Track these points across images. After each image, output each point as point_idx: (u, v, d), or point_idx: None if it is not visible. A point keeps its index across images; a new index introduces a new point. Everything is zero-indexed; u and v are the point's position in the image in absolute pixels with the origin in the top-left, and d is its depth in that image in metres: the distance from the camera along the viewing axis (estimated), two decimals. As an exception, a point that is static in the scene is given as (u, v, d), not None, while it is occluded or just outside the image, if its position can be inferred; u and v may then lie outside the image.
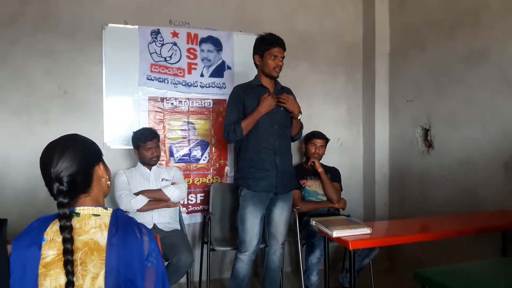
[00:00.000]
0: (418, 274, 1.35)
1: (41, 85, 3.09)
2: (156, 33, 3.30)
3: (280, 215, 2.65)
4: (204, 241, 3.09)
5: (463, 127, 2.81)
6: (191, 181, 3.36)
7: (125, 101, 3.25)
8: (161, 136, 3.22)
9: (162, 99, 3.33)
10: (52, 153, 1.14)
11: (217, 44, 3.45)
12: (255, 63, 2.65)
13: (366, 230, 1.93)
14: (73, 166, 1.14)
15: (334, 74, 3.76)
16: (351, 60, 3.79)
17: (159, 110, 3.32)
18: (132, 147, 2.96)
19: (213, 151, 3.45)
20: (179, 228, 2.92)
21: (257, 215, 2.55)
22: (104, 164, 1.26)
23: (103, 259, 1.11)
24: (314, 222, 2.12)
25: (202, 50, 3.42)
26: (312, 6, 3.70)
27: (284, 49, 2.59)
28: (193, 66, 3.40)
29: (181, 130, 3.37)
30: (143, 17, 3.29)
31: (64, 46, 3.14)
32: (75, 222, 1.14)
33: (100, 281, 1.10)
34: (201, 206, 3.40)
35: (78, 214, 1.16)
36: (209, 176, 3.44)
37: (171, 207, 2.83)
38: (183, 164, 3.36)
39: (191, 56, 3.39)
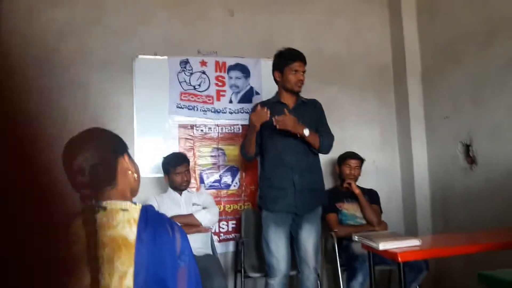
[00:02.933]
0: (483, 275, 1.18)
1: (73, 117, 3.14)
2: (185, 62, 3.35)
3: (308, 238, 2.49)
4: (238, 270, 2.94)
5: (508, 138, 2.63)
6: (222, 208, 3.26)
7: (156, 129, 3.24)
8: (191, 163, 3.17)
9: (192, 126, 3.31)
10: (73, 145, 1.10)
11: (245, 71, 3.46)
12: (275, 80, 2.60)
13: (416, 242, 1.77)
14: (94, 156, 1.08)
15: (365, 96, 3.67)
16: (381, 81, 3.72)
17: (189, 137, 3.30)
18: (162, 175, 2.93)
19: (244, 177, 3.36)
20: (211, 253, 2.79)
21: (280, 237, 2.42)
22: (129, 157, 1.20)
23: (132, 255, 1.02)
24: (356, 237, 1.97)
25: (230, 77, 3.43)
26: (339, 29, 3.70)
27: (305, 63, 2.53)
28: (221, 93, 3.40)
29: (211, 156, 3.33)
30: (172, 48, 3.35)
31: (97, 78, 3.21)
32: (101, 216, 1.07)
33: (129, 280, 1.01)
34: (233, 234, 3.28)
35: (104, 209, 1.09)
36: (240, 202, 3.33)
37: (203, 232, 2.73)
38: (214, 190, 3.28)
39: (220, 84, 3.41)
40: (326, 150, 2.62)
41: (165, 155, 2.91)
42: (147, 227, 1.06)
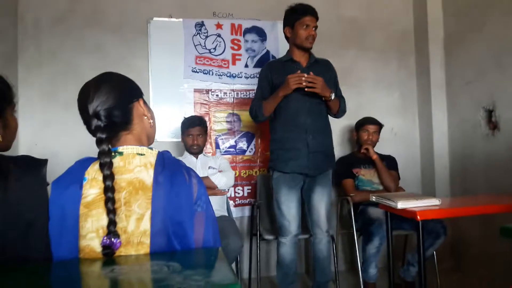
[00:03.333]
0: (506, 228, 1.14)
1: (88, 79, 3.13)
2: (200, 25, 3.29)
3: (320, 201, 2.47)
4: (253, 234, 2.96)
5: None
6: (237, 174, 3.25)
7: (171, 94, 3.22)
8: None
9: (207, 91, 3.28)
10: (88, 89, 1.08)
11: (261, 34, 3.38)
12: (285, 37, 2.53)
13: (435, 201, 1.73)
14: (109, 99, 1.06)
15: (384, 61, 3.56)
16: (402, 46, 3.59)
17: (205, 102, 3.27)
18: (178, 140, 2.92)
19: (259, 143, 3.34)
20: (227, 215, 2.81)
21: (292, 199, 2.41)
22: (145, 102, 1.17)
23: (149, 198, 1.01)
24: (374, 197, 1.94)
25: (246, 41, 3.36)
26: (360, -8, 3.56)
27: (317, 18, 2.43)
28: (237, 57, 3.34)
29: (227, 122, 3.30)
30: (187, 10, 3.29)
31: (111, 41, 3.18)
32: (118, 160, 1.06)
33: (146, 223, 1.00)
34: (248, 199, 3.28)
35: (121, 153, 1.07)
36: (255, 168, 3.32)
37: (218, 195, 2.73)
38: (229, 156, 3.27)
39: (235, 47, 3.34)
40: (342, 115, 2.61)
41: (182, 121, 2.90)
42: (163, 170, 1.05)
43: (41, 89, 3.08)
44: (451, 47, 3.32)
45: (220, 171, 2.80)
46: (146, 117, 1.15)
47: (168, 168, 1.06)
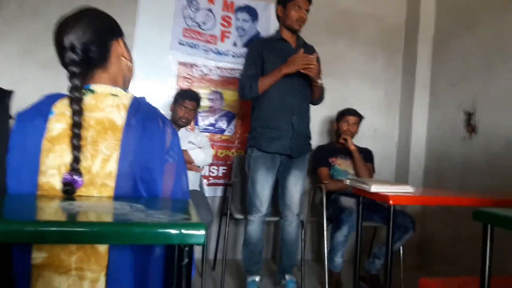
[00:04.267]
0: (479, 212, 1.14)
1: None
2: (192, -3, 3.21)
3: (295, 184, 2.47)
4: (223, 213, 2.92)
5: (512, 108, 2.57)
6: (214, 153, 3.20)
7: (155, 64, 3.13)
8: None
9: (192, 66, 3.21)
10: (64, 21, 1.02)
11: (253, 14, 3.33)
12: (277, 16, 2.51)
13: (409, 189, 1.73)
14: (86, 33, 1.00)
15: (373, 56, 3.57)
16: (392, 42, 3.61)
17: (188, 76, 3.20)
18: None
19: (239, 124, 3.29)
20: (198, 189, 2.76)
21: (268, 180, 2.39)
22: (125, 43, 1.12)
23: (118, 139, 0.96)
24: (348, 180, 1.93)
25: (237, 19, 3.30)
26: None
27: (310, 2, 2.43)
28: (226, 34, 3.28)
29: (208, 99, 3.24)
30: (180, -20, 3.20)
31: (98, 4, 3.05)
32: (89, 98, 1.00)
33: (112, 164, 0.95)
34: (222, 180, 3.24)
35: (93, 91, 1.02)
36: (233, 149, 3.28)
37: (193, 170, 2.68)
38: (207, 134, 3.21)
39: (225, 24, 3.28)
40: (320, 101, 2.64)
41: (162, 93, 2.87)
42: (137, 113, 1.00)
43: (19, 46, 2.96)
44: (440, 46, 3.34)
45: (199, 148, 2.75)
46: (124, 59, 1.10)
47: (142, 112, 1.01)
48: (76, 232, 0.63)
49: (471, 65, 2.98)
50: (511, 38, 2.63)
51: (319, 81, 2.42)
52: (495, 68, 2.75)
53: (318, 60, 2.54)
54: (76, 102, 0.96)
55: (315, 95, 2.53)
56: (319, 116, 3.33)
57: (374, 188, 1.69)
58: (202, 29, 3.23)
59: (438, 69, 3.33)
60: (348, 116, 3.03)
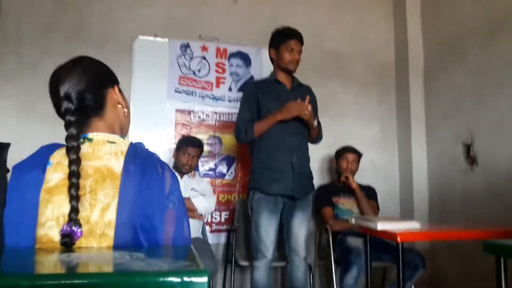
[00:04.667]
0: (490, 245, 1.10)
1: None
2: (185, 46, 3.30)
3: (300, 226, 2.39)
4: (228, 260, 2.84)
5: (510, 137, 2.57)
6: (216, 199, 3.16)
7: (153, 113, 3.17)
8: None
9: (190, 112, 3.24)
10: (59, 70, 1.03)
11: (246, 59, 3.41)
12: (270, 58, 2.55)
13: (415, 224, 1.69)
14: (82, 82, 1.01)
15: (366, 93, 3.62)
16: (384, 79, 3.67)
17: (186, 123, 3.23)
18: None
19: (239, 167, 3.28)
20: (201, 236, 2.70)
21: (272, 223, 2.33)
22: (120, 90, 1.13)
23: (117, 187, 0.94)
24: (354, 218, 1.89)
25: (231, 65, 3.38)
26: (343, 23, 3.65)
27: (302, 43, 2.47)
28: (221, 80, 3.34)
29: (207, 144, 3.24)
30: (173, 30, 3.30)
31: (95, 56, 3.14)
32: (87, 147, 0.99)
33: (111, 213, 0.92)
34: (225, 226, 3.18)
35: (90, 140, 1.01)
36: (234, 193, 3.25)
37: (196, 218, 2.64)
38: (208, 179, 3.19)
39: (220, 71, 3.35)
40: (319, 141, 2.64)
41: (162, 142, 2.91)
42: (135, 160, 0.98)
43: (18, 101, 3.00)
44: (431, 79, 3.40)
45: (202, 195, 2.73)
46: (120, 106, 1.10)
47: (140, 158, 1.00)
48: (74, 285, 0.60)
49: (463, 96, 3.01)
50: (501, 65, 2.67)
51: (315, 122, 2.43)
52: (487, 96, 2.78)
53: (314, 101, 2.57)
54: (73, 151, 0.94)
55: (313, 135, 2.54)
56: (318, 155, 3.32)
57: (381, 226, 1.65)
58: (197, 76, 3.29)
59: (432, 102, 3.37)
60: (347, 154, 3.02)
